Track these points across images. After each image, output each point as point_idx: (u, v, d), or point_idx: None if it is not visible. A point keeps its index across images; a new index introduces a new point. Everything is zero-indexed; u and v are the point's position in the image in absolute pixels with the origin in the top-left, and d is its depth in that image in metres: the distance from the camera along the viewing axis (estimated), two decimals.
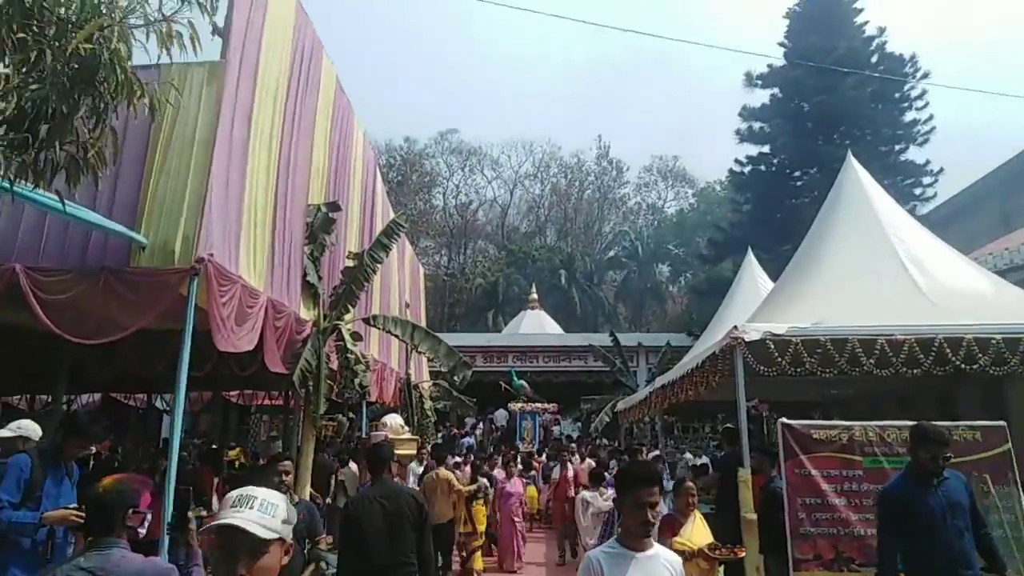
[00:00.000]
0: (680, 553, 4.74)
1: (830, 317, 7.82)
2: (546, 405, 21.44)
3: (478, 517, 10.05)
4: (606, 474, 8.32)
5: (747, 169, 26.35)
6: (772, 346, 7.43)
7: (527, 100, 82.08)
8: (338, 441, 14.10)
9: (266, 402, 18.68)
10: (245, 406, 19.59)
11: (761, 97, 27.49)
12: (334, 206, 9.25)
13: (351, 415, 13.72)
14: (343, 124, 10.73)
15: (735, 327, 7.60)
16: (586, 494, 7.44)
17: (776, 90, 27.06)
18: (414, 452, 12.17)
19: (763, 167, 25.94)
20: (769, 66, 27.29)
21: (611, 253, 57.08)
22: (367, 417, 13.21)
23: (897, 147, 25.36)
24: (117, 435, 14.81)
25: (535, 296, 36.80)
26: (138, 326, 5.99)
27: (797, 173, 25.46)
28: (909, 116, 25.54)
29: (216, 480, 10.63)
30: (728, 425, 9.34)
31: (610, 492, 7.90)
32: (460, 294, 51.02)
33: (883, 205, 9.73)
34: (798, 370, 7.44)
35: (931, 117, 25.44)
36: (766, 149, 26.57)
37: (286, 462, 4.74)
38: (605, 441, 20.49)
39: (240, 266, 6.94)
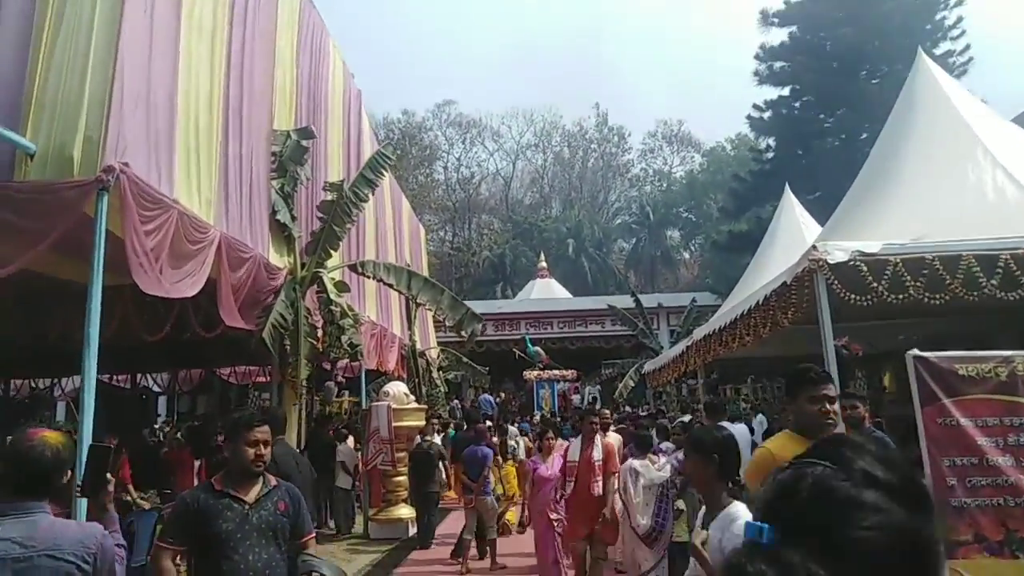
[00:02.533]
0: None
1: (929, 232, 6.19)
2: (564, 372, 19.87)
3: (508, 479, 9.94)
4: (655, 438, 6.77)
5: (767, 114, 24.36)
6: (864, 268, 5.82)
7: (526, 68, 79.71)
8: (335, 415, 12.63)
9: (261, 379, 17.21)
10: (243, 384, 18.15)
11: (779, 36, 25.47)
12: (306, 132, 7.64)
13: (340, 379, 12.13)
14: (314, 44, 9.08)
15: (814, 247, 5.98)
16: (635, 463, 5.92)
17: (795, 28, 25.02)
18: (422, 422, 10.73)
19: (785, 110, 23.94)
20: (786, 2, 25.27)
21: (618, 221, 55.50)
22: (367, 389, 11.71)
23: None
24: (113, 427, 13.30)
25: (544, 264, 35.09)
26: (27, 260, 4.43)
27: (823, 115, 23.45)
28: (943, 47, 23.51)
29: (197, 463, 9.24)
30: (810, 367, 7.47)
31: (662, 460, 6.36)
32: (467, 268, 49.64)
33: (965, 104, 8.03)
34: (900, 298, 5.83)
35: (967, 48, 23.49)
36: (786, 92, 24.55)
37: (259, 428, 3.08)
38: (628, 409, 18.95)
39: (176, 188, 5.35)
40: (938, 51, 23.61)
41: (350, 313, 7.34)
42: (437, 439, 10.98)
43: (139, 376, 15.73)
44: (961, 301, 5.87)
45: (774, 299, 6.73)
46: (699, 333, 10.24)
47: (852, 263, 5.83)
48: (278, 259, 7.32)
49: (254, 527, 3.02)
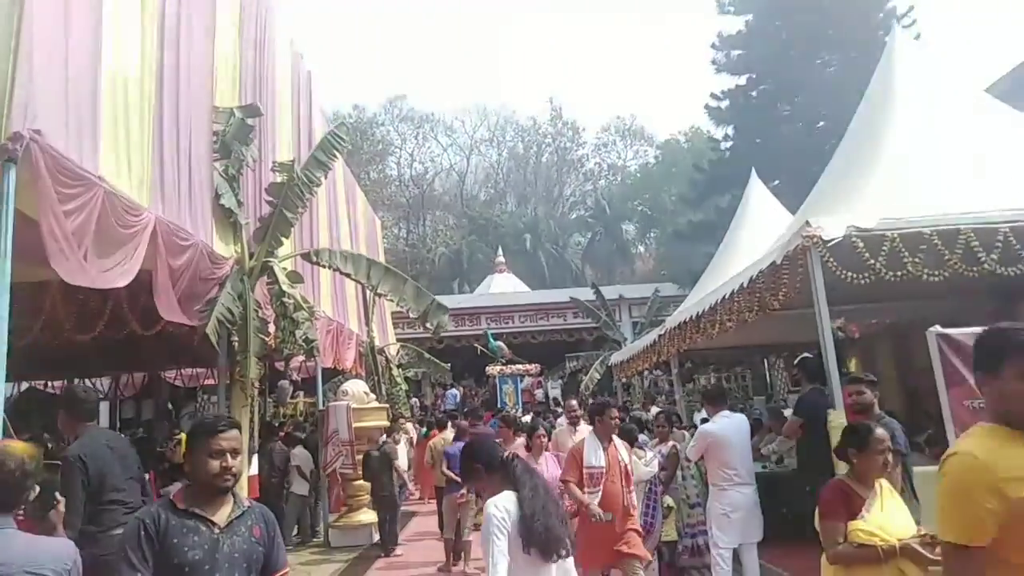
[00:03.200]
0: (865, 551, 2.76)
1: (917, 208, 5.88)
2: (528, 366, 19.37)
3: None
4: (640, 434, 6.33)
5: (724, 104, 24.28)
6: (861, 244, 5.48)
7: (477, 62, 79.05)
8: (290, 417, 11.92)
9: (209, 381, 16.25)
10: (190, 388, 17.13)
11: (736, 24, 25.43)
12: (251, 110, 6.97)
13: (294, 378, 11.36)
14: (259, 17, 8.38)
15: (807, 223, 5.60)
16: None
17: (751, 16, 25.01)
18: (384, 422, 10.19)
19: (743, 99, 23.88)
20: None
21: (574, 215, 55.54)
22: (324, 389, 11.07)
23: None
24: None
25: (502, 259, 34.54)
26: None
27: (780, 102, 23.45)
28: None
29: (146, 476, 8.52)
30: (806, 355, 7.23)
31: (648, 454, 5.94)
32: (422, 265, 48.79)
33: (948, 76, 7.78)
34: (898, 275, 5.49)
35: (918, 36, 23.71)
36: (743, 80, 24.52)
37: (224, 435, 2.31)
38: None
39: (102, 165, 4.67)
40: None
41: (304, 306, 6.71)
42: (403, 442, 10.47)
43: (76, 382, 14.71)
44: (961, 278, 5.56)
45: (761, 281, 6.34)
46: (673, 321, 9.87)
47: (849, 239, 5.49)
48: (223, 247, 6.65)
49: (226, 557, 2.43)
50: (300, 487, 9.65)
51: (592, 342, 22.99)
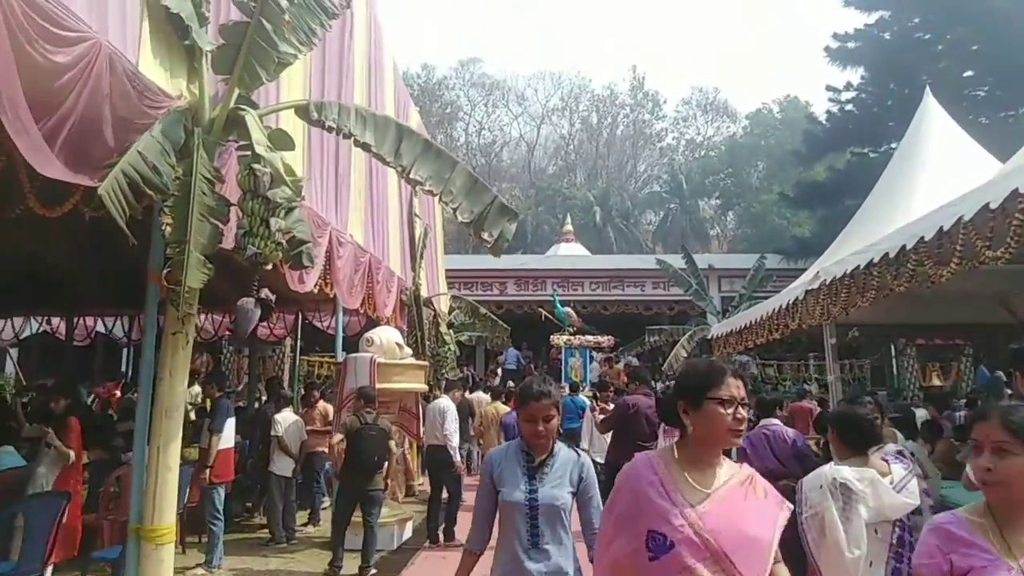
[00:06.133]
0: None
1: None
2: (599, 339, 16.56)
3: None
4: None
5: (851, 44, 20.31)
6: None
7: (555, 29, 75.56)
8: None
9: None
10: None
11: None
12: None
13: (265, 296, 8.10)
14: None
15: None
16: (842, 472, 2.80)
17: None
18: (421, 385, 7.70)
19: (886, 33, 19.71)
20: None
21: (646, 191, 52.56)
22: (344, 341, 8.65)
23: None
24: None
25: (570, 228, 31.65)
26: None
27: (928, 36, 19.22)
28: None
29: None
30: (1015, 345, 4.76)
31: (898, 468, 3.22)
32: None
33: None
34: None
35: None
36: (884, 14, 20.06)
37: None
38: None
39: None
40: None
41: (293, 183, 4.15)
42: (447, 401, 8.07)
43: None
44: None
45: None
46: (832, 271, 6.96)
47: None
48: (168, 81, 4.16)
49: None
50: (282, 465, 7.19)
51: (672, 316, 20.05)
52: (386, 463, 6.37)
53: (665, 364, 16.02)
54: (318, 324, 11.46)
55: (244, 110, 4.30)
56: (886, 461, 3.02)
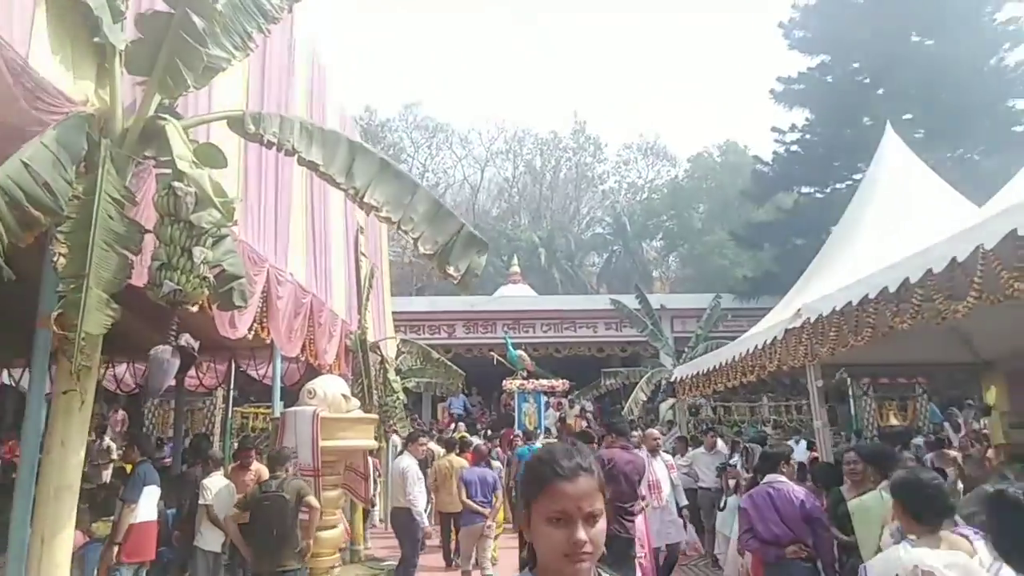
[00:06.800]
0: None
1: None
2: (554, 382, 15.93)
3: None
4: None
5: (796, 87, 20.63)
6: None
7: (496, 76, 76.28)
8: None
9: None
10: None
11: None
12: None
13: (187, 343, 6.62)
14: None
15: None
16: (917, 556, 2.24)
17: None
18: (370, 441, 6.93)
19: (828, 76, 20.20)
20: None
21: (590, 232, 53.13)
22: (282, 391, 7.80)
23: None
24: None
25: (517, 268, 31.15)
26: None
27: (868, 80, 19.69)
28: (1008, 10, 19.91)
29: None
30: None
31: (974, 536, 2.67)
32: (429, 277, 46.06)
33: None
34: None
35: None
36: (825, 59, 20.61)
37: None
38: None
39: None
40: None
41: (218, 202, 3.44)
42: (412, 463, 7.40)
43: None
44: None
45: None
46: (811, 311, 6.52)
47: None
48: (68, 81, 3.44)
49: None
50: (210, 539, 6.21)
51: (624, 358, 19.59)
52: (296, 531, 5.45)
53: (625, 409, 15.46)
54: (253, 373, 10.47)
55: (165, 119, 3.58)
56: (966, 537, 2.47)
